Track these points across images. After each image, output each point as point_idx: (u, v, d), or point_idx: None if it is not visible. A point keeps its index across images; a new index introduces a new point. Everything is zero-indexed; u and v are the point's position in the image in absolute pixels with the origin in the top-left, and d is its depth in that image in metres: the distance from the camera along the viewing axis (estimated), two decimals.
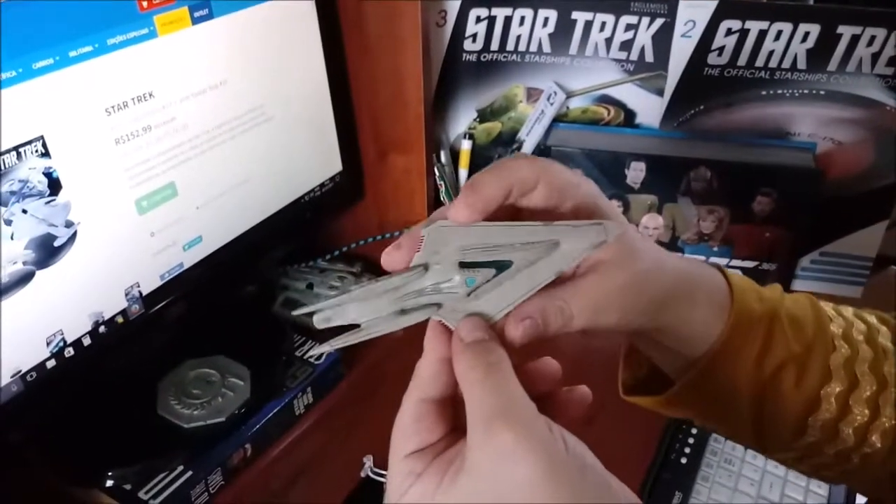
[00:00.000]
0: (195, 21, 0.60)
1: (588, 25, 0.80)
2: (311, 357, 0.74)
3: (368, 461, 0.66)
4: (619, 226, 0.35)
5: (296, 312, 0.35)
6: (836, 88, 0.79)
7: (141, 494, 0.60)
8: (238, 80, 0.65)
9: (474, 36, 0.82)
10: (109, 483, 0.60)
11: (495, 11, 0.81)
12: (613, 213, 0.37)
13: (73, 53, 0.52)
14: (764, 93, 0.81)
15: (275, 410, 0.68)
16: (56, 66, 0.51)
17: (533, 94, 0.86)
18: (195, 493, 0.62)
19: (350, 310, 0.34)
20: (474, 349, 0.32)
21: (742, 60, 0.79)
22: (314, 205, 0.79)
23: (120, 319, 0.61)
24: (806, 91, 0.80)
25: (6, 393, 0.54)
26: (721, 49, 0.79)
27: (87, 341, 0.58)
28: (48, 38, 0.50)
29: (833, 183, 0.83)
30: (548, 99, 0.85)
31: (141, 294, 0.62)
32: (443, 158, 0.87)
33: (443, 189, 0.86)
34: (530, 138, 0.86)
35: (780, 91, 0.80)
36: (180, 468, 0.62)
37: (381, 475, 0.64)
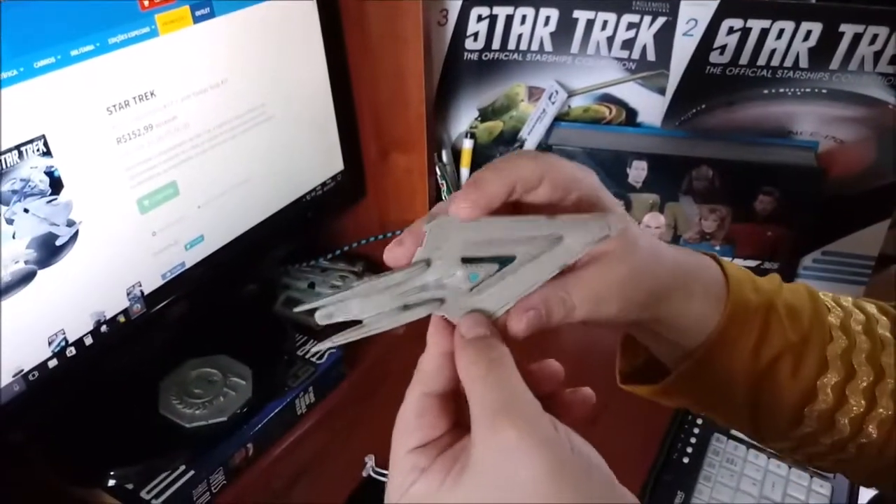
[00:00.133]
0: (196, 20, 0.60)
1: (589, 24, 0.80)
2: (313, 354, 0.74)
3: (370, 461, 0.65)
4: (622, 219, 0.35)
5: (298, 309, 0.35)
6: (838, 87, 0.79)
7: (143, 494, 0.60)
8: (239, 80, 0.65)
9: (476, 35, 0.82)
10: (111, 483, 0.60)
11: (497, 10, 0.80)
12: (615, 205, 0.37)
13: (74, 52, 0.52)
14: (766, 91, 0.81)
15: (276, 410, 0.68)
16: (57, 65, 0.51)
17: (534, 93, 0.86)
18: (197, 493, 0.62)
19: (352, 306, 0.34)
20: (476, 345, 0.32)
21: (744, 59, 0.79)
22: (315, 204, 0.79)
23: (121, 319, 0.61)
24: (808, 90, 0.80)
25: (8, 392, 0.54)
26: (723, 48, 0.78)
27: (88, 341, 0.58)
28: (49, 37, 0.50)
29: (835, 182, 0.82)
30: (549, 98, 0.85)
31: (142, 293, 0.62)
32: (444, 158, 0.87)
33: (444, 188, 0.86)
34: (532, 137, 0.86)
35: (781, 90, 0.80)
36: (182, 468, 0.62)
37: (383, 475, 0.64)
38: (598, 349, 0.79)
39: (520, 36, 0.82)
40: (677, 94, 0.82)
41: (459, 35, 0.82)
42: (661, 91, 0.83)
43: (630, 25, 0.79)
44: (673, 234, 0.86)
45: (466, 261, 0.34)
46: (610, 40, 0.81)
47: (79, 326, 0.58)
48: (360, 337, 0.34)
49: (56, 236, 0.54)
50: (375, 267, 0.88)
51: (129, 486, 0.60)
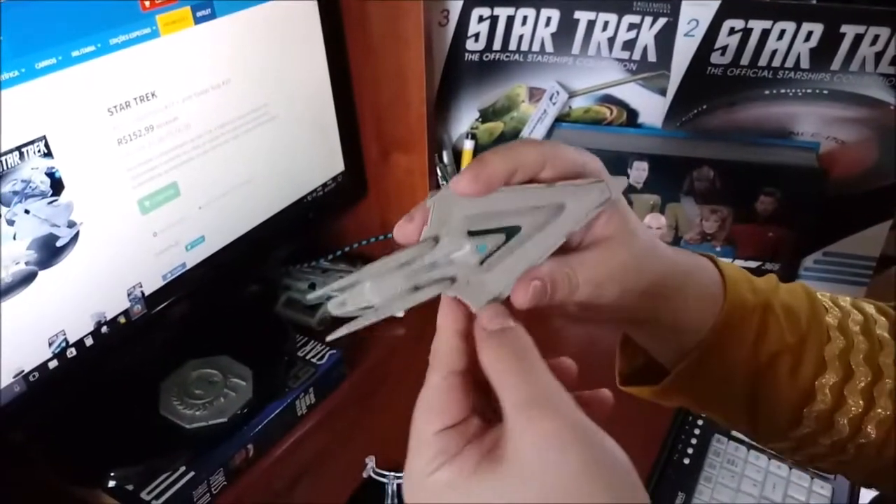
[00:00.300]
0: (197, 21, 0.60)
1: (591, 25, 0.80)
2: (315, 354, 0.74)
3: (370, 461, 0.65)
4: (621, 182, 0.36)
5: (311, 296, 0.35)
6: (840, 88, 0.79)
7: (143, 495, 0.60)
8: (240, 80, 0.65)
9: (477, 35, 0.82)
10: (112, 483, 0.60)
11: (498, 11, 0.80)
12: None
13: (75, 53, 0.52)
14: (767, 92, 0.81)
15: (277, 411, 0.68)
16: (58, 66, 0.51)
17: (535, 94, 0.86)
18: (197, 494, 0.62)
19: (365, 290, 0.33)
20: (501, 338, 0.31)
21: (745, 60, 0.79)
22: (316, 205, 0.79)
23: (122, 320, 0.61)
24: (809, 90, 0.79)
25: (8, 393, 0.54)
26: (724, 48, 0.78)
27: (89, 342, 0.58)
28: (50, 37, 0.50)
29: (836, 182, 0.82)
30: (550, 99, 0.85)
31: (143, 294, 0.62)
32: (445, 158, 0.87)
33: None
34: (533, 138, 0.86)
35: (783, 90, 0.80)
36: (182, 469, 0.62)
37: (384, 476, 0.64)
38: (598, 349, 0.79)
39: (521, 37, 0.82)
40: (678, 95, 0.82)
41: (460, 36, 0.82)
42: (662, 92, 0.83)
43: (631, 26, 0.79)
44: (674, 234, 0.86)
45: (473, 234, 0.34)
46: (611, 41, 0.81)
47: (79, 327, 0.58)
48: (375, 320, 0.33)
49: (57, 237, 0.54)
50: None
51: (130, 487, 0.60)
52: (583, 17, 0.80)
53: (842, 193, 0.83)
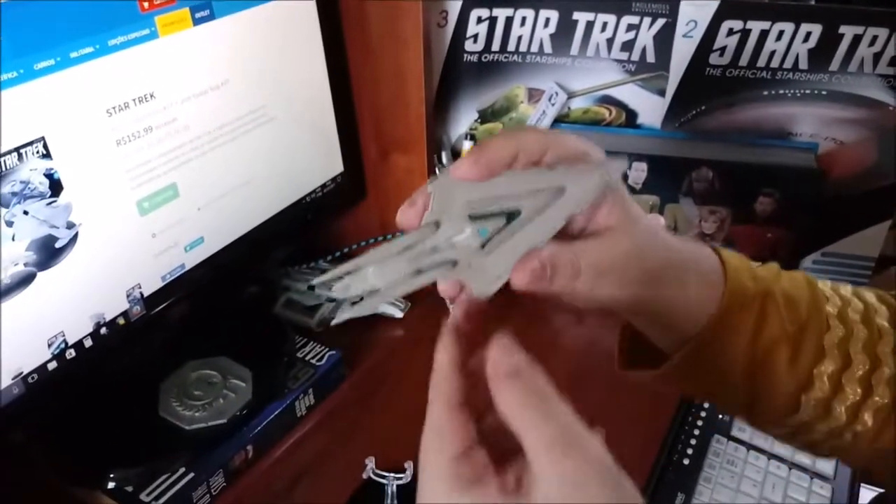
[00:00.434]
0: (196, 22, 0.60)
1: (589, 26, 0.80)
2: (314, 355, 0.74)
3: (370, 462, 0.65)
4: (620, 165, 0.36)
5: (315, 281, 0.35)
6: (838, 88, 0.79)
7: (142, 496, 0.60)
8: (239, 81, 0.65)
9: (475, 36, 0.82)
10: (111, 485, 0.60)
11: (496, 12, 0.80)
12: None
13: (74, 54, 0.52)
14: (765, 93, 0.81)
15: (276, 412, 0.68)
16: (57, 67, 0.51)
17: (534, 95, 0.86)
18: (197, 495, 0.62)
19: (368, 275, 0.34)
20: (519, 381, 0.31)
21: (744, 60, 0.79)
22: (316, 206, 0.79)
23: (121, 321, 0.61)
24: (808, 91, 0.80)
25: (8, 395, 0.54)
26: (723, 49, 0.78)
27: (88, 343, 0.58)
28: (49, 38, 0.50)
29: (835, 183, 0.82)
30: (549, 100, 0.85)
31: (142, 295, 0.62)
32: (444, 159, 0.87)
33: None
34: None
35: (781, 91, 0.80)
36: (182, 470, 0.62)
37: (383, 476, 0.64)
38: (598, 350, 0.80)
39: (519, 37, 0.82)
40: (677, 96, 0.82)
41: (459, 36, 0.82)
42: (661, 92, 0.83)
43: (630, 27, 0.79)
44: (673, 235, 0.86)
45: (474, 218, 0.34)
46: (610, 42, 0.81)
47: (78, 328, 0.58)
48: (379, 303, 0.34)
49: (56, 238, 0.54)
50: None
51: (129, 489, 0.60)
52: (581, 17, 0.80)
53: (840, 194, 0.83)
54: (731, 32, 0.77)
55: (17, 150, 0.50)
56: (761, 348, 0.41)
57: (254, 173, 0.70)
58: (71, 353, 0.57)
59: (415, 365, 0.81)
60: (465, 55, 0.83)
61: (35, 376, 0.55)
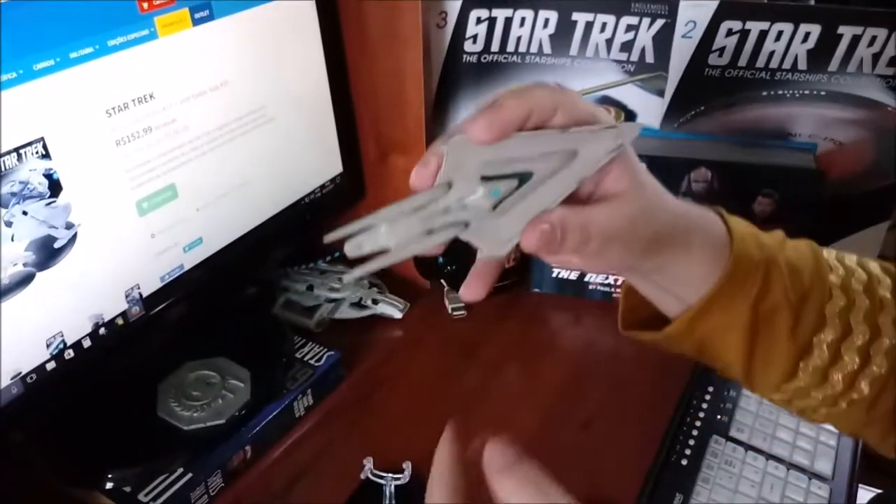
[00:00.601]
0: (196, 22, 0.60)
1: (588, 26, 0.80)
2: (313, 355, 0.74)
3: (368, 463, 0.65)
4: (633, 128, 0.36)
5: (327, 238, 0.34)
6: (837, 89, 0.79)
7: (141, 497, 0.60)
8: (238, 82, 0.65)
9: (475, 37, 0.82)
10: (109, 485, 0.60)
11: (496, 13, 0.80)
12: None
13: (73, 55, 0.52)
14: (764, 93, 0.81)
15: (275, 412, 0.68)
16: (57, 68, 0.51)
17: None
18: (195, 496, 0.62)
19: (380, 234, 0.33)
20: (517, 471, 0.31)
21: (743, 61, 0.79)
22: (315, 206, 0.79)
23: (120, 321, 0.61)
24: (806, 91, 0.80)
25: (6, 395, 0.54)
26: (722, 50, 0.78)
27: (87, 343, 0.58)
28: (49, 39, 0.50)
29: (834, 184, 0.82)
30: None
31: (141, 296, 0.62)
32: None
33: None
34: None
35: (780, 91, 0.80)
36: (180, 470, 0.62)
37: (382, 477, 0.64)
38: (598, 350, 0.80)
39: (519, 38, 0.82)
40: (676, 96, 0.82)
41: (458, 37, 0.82)
42: (660, 93, 0.83)
43: (629, 27, 0.79)
44: None
45: (486, 179, 0.34)
46: (609, 42, 0.81)
47: (77, 329, 0.58)
48: (390, 263, 0.33)
49: (55, 239, 0.54)
50: None
51: (127, 489, 0.60)
52: (581, 18, 0.80)
53: (839, 194, 0.83)
54: (730, 33, 0.77)
55: (16, 150, 0.50)
56: (763, 315, 0.41)
57: (253, 174, 0.70)
58: (69, 354, 0.57)
59: (413, 366, 0.81)
60: (465, 56, 0.83)
61: (34, 376, 0.55)
